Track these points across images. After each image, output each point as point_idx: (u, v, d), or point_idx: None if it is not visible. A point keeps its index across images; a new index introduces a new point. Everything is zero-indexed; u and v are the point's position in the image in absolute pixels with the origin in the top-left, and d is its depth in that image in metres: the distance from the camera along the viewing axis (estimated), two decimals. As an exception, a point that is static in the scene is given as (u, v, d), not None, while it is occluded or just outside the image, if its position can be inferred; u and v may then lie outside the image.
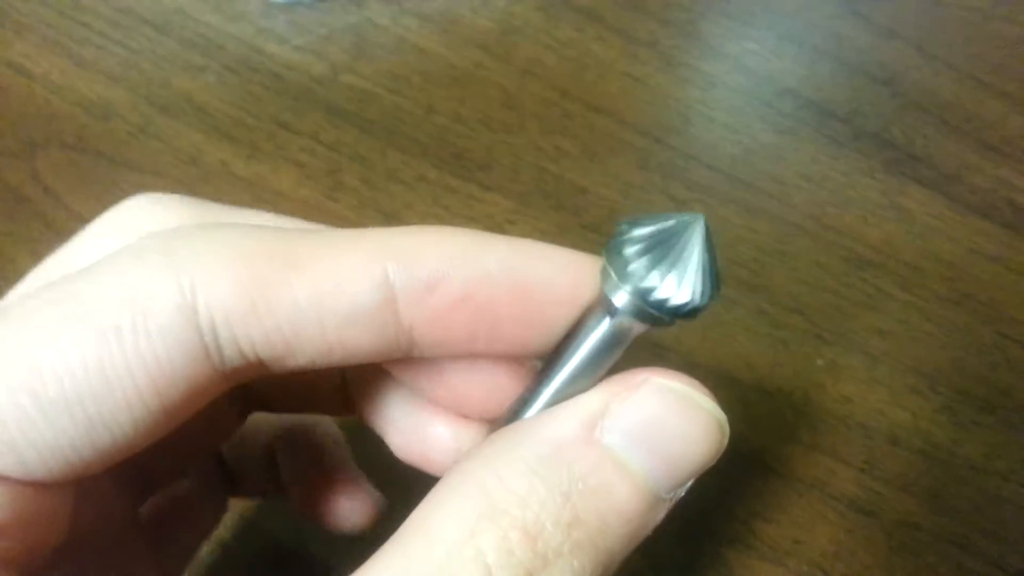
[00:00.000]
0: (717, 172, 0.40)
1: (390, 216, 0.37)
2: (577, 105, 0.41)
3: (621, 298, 0.16)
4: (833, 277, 0.37)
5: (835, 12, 0.45)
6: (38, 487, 0.15)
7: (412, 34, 0.43)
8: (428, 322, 0.17)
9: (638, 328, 0.17)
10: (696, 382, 0.17)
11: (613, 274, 0.16)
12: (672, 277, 0.16)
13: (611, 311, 0.16)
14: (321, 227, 0.19)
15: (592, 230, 0.37)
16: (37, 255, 0.35)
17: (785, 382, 0.34)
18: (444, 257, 0.17)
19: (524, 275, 0.17)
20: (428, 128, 0.40)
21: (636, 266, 0.16)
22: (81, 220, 0.36)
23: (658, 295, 0.16)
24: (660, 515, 0.17)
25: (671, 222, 0.16)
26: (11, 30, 0.42)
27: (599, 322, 0.17)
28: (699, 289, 0.16)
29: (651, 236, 0.16)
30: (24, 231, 0.36)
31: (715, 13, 0.45)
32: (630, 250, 0.16)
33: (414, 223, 0.37)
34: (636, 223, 0.16)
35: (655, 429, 0.16)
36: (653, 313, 0.16)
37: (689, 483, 0.17)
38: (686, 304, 0.16)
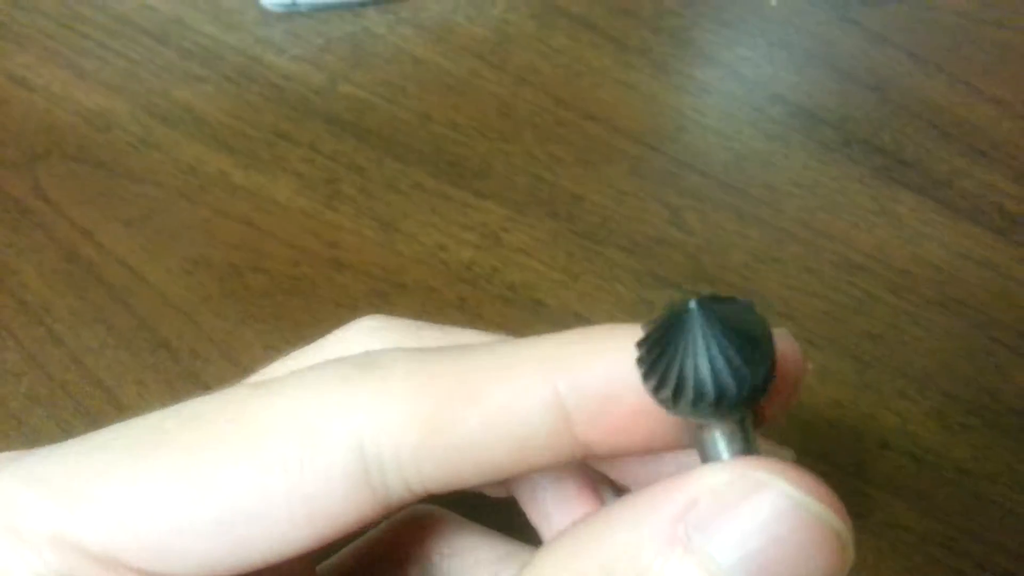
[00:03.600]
0: (709, 178, 0.40)
1: (388, 224, 0.38)
2: (571, 112, 0.42)
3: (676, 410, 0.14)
4: (823, 282, 0.37)
5: (826, 19, 0.45)
6: None
7: (408, 43, 0.44)
8: (605, 435, 0.16)
9: (720, 425, 0.15)
10: (821, 484, 0.14)
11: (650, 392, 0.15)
12: (674, 371, 0.14)
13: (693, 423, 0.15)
14: (495, 340, 0.19)
15: (587, 237, 0.38)
16: (41, 266, 0.36)
17: (776, 387, 0.35)
18: (615, 368, 0.15)
19: None
20: (424, 136, 0.40)
21: (648, 375, 0.14)
22: (83, 231, 0.37)
23: (672, 394, 0.14)
24: None
25: (663, 317, 0.14)
26: (11, 42, 0.43)
27: (697, 434, 0.15)
28: (712, 370, 0.14)
29: (652, 340, 0.14)
30: (27, 242, 0.37)
31: (708, 20, 0.45)
32: (643, 362, 0.14)
33: (412, 231, 0.38)
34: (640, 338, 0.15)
35: (750, 534, 0.14)
36: (699, 411, 0.14)
37: None
38: (705, 391, 0.14)
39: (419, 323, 0.20)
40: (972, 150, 0.42)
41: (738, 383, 0.14)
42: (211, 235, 0.37)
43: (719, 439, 0.15)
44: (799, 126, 0.42)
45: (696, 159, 0.41)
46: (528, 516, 0.21)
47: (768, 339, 0.14)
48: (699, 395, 0.14)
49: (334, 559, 0.23)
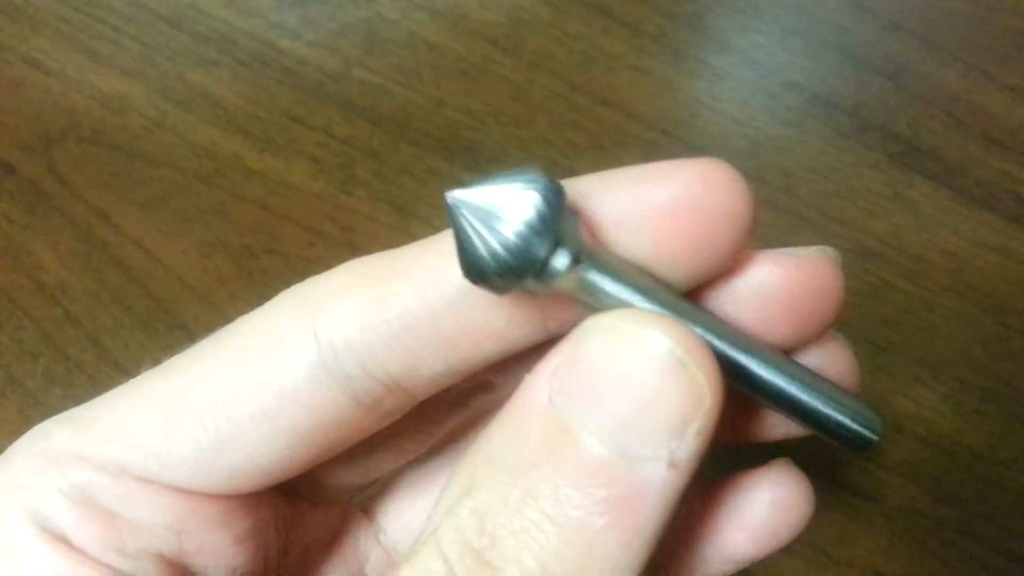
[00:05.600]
0: (724, 165, 0.40)
1: (402, 209, 0.38)
2: (585, 98, 0.42)
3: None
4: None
5: (841, 6, 0.45)
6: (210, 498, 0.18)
7: (422, 28, 0.44)
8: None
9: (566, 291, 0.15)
10: (661, 319, 0.15)
11: None
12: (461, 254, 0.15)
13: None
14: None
15: (600, 222, 0.38)
16: (57, 247, 0.36)
17: (790, 372, 0.35)
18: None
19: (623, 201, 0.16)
20: (439, 122, 0.40)
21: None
22: (99, 213, 0.37)
23: (467, 274, 0.15)
24: (659, 476, 0.14)
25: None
26: (27, 25, 0.43)
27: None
28: (477, 253, 0.15)
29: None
30: (42, 223, 0.37)
31: (722, 6, 0.45)
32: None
33: (426, 216, 0.38)
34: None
35: (593, 378, 0.14)
36: (504, 286, 0.15)
37: (691, 433, 0.14)
38: (484, 270, 0.15)
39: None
40: (987, 138, 0.42)
41: (514, 258, 0.14)
42: (226, 217, 0.37)
43: (583, 301, 0.16)
44: (814, 112, 0.42)
45: (710, 145, 0.41)
46: None
47: (541, 207, 0.14)
48: (481, 274, 0.14)
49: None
